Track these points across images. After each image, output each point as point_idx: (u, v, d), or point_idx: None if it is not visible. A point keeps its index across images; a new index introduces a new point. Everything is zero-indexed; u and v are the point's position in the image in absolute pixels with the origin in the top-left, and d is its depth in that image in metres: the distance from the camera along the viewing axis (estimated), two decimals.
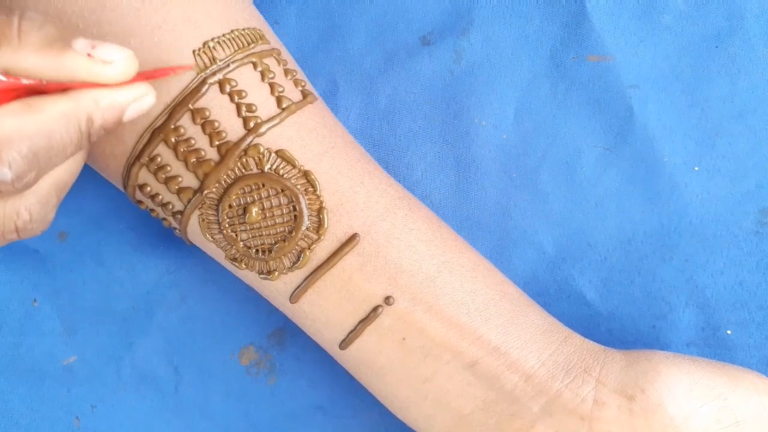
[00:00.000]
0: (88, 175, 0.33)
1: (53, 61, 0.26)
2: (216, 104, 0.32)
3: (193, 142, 0.32)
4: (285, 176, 0.32)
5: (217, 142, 0.32)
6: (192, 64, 0.31)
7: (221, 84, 0.32)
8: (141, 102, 0.28)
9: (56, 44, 0.26)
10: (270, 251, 0.33)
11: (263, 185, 0.32)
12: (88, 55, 0.26)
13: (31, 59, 0.26)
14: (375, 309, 0.33)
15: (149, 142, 0.32)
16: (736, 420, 0.32)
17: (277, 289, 0.34)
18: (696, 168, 0.39)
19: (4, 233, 0.29)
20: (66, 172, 0.30)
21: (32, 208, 0.29)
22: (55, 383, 0.41)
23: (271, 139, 0.32)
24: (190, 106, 0.32)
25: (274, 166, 0.32)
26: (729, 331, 0.39)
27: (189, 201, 0.33)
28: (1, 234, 0.29)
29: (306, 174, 0.32)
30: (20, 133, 0.26)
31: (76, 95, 0.27)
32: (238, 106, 0.32)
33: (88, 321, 0.41)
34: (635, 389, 0.32)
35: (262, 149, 0.32)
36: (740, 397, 0.32)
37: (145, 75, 0.29)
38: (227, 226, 0.33)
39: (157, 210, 0.35)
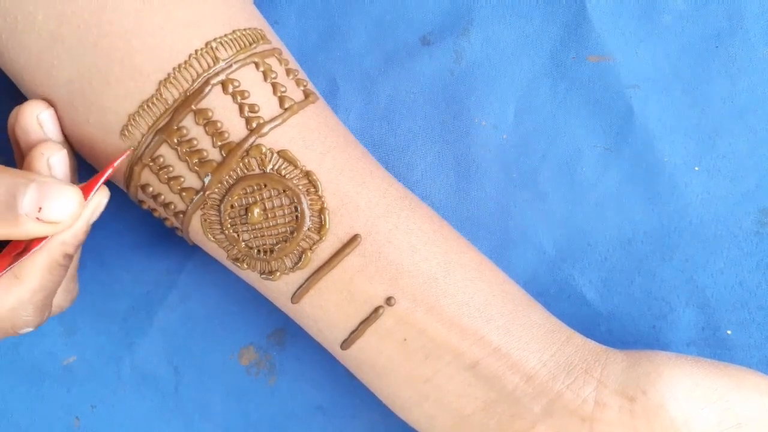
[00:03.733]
0: (88, 175, 0.33)
1: (10, 232, 0.28)
2: (219, 105, 0.32)
3: (195, 142, 0.32)
4: (287, 177, 0.32)
5: (219, 143, 0.32)
6: (128, 148, 0.32)
7: (224, 84, 0.32)
8: (99, 208, 0.32)
9: (7, 216, 0.28)
10: (272, 251, 0.33)
11: (265, 185, 0.32)
12: (37, 218, 0.28)
13: None
14: (376, 310, 0.33)
15: (152, 142, 0.32)
16: (738, 422, 0.31)
17: (278, 290, 0.34)
18: (696, 168, 0.39)
19: (6, 336, 0.33)
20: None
21: (30, 322, 0.32)
22: (55, 383, 0.41)
23: (273, 139, 0.32)
24: (192, 107, 0.31)
25: (276, 167, 0.32)
26: (729, 331, 0.39)
27: (191, 201, 0.33)
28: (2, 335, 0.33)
29: (308, 174, 0.32)
30: (20, 302, 0.31)
31: (46, 245, 0.30)
32: (241, 107, 0.32)
33: (88, 321, 0.41)
34: (636, 390, 0.32)
35: (264, 149, 0.32)
36: (742, 399, 0.32)
37: (93, 183, 0.31)
38: (229, 226, 0.33)
39: (159, 210, 0.35)
